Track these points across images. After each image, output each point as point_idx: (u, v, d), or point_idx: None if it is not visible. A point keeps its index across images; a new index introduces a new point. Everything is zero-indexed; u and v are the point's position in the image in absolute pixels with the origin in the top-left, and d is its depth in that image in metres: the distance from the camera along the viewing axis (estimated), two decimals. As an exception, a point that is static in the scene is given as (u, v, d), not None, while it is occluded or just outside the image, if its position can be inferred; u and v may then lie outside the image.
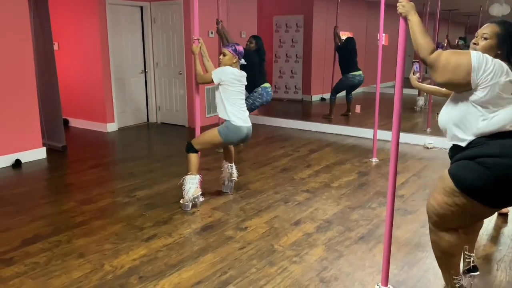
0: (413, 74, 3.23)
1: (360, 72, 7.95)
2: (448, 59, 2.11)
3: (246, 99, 5.86)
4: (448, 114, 2.27)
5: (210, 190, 4.37)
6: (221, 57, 3.96)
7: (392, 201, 2.47)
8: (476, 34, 2.25)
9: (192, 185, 3.84)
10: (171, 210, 3.89)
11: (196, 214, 3.82)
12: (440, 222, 2.29)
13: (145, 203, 4.05)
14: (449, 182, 2.19)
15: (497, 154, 2.08)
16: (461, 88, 2.15)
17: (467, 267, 2.73)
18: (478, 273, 2.76)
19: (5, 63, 5.12)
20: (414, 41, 2.19)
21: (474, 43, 2.22)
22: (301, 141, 6.57)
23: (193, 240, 3.32)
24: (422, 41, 2.16)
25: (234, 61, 3.91)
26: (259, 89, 5.96)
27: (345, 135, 6.90)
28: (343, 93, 8.21)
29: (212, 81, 3.85)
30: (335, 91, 8.15)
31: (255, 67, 5.76)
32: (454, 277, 2.42)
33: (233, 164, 4.28)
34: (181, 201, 3.94)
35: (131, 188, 4.46)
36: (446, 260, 2.40)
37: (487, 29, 2.20)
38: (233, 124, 3.83)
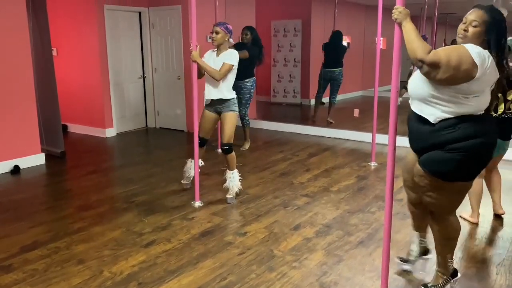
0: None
1: (337, 69, 7.94)
2: (449, 56, 2.16)
3: (243, 94, 5.93)
4: (423, 88, 2.31)
5: (209, 196, 4.36)
6: (214, 35, 4.04)
7: (390, 205, 2.47)
8: (464, 19, 2.29)
9: (237, 178, 4.21)
10: (170, 215, 3.89)
11: (195, 219, 3.81)
12: (441, 211, 2.52)
13: (144, 208, 4.05)
14: (432, 179, 2.39)
15: (470, 136, 2.26)
16: (460, 82, 2.20)
17: (423, 251, 2.93)
18: (431, 255, 2.92)
19: (4, 69, 5.12)
20: (409, 45, 2.20)
21: (465, 30, 2.27)
22: (300, 145, 6.57)
23: (192, 245, 3.32)
24: (418, 43, 2.18)
25: (226, 39, 4.07)
26: (252, 79, 6.09)
27: (344, 139, 6.91)
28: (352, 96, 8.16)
29: (231, 69, 4.04)
30: (319, 88, 8.23)
31: (255, 59, 5.98)
32: (449, 260, 2.63)
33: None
34: (228, 195, 4.20)
35: (130, 194, 4.45)
36: (451, 245, 2.60)
37: (475, 16, 2.25)
38: (235, 99, 4.21)
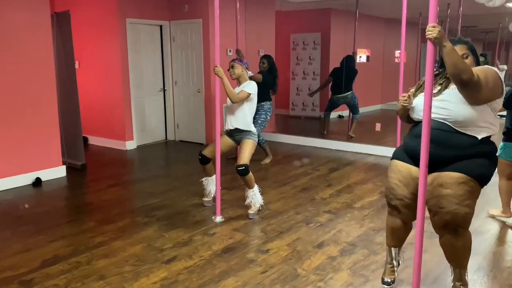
0: None
1: (348, 93, 7.84)
2: (487, 78, 2.34)
3: (260, 115, 5.95)
4: (469, 112, 2.41)
5: (230, 211, 4.31)
6: (231, 70, 4.21)
7: (422, 223, 2.38)
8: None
9: (258, 195, 4.20)
10: (191, 231, 3.84)
11: (216, 235, 3.75)
12: (469, 222, 2.53)
13: (164, 223, 4.01)
14: (473, 184, 2.44)
15: (493, 144, 2.55)
16: (494, 99, 2.42)
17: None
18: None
19: (28, 82, 5.19)
20: (455, 66, 2.25)
21: None
22: (321, 159, 6.49)
23: (214, 262, 3.25)
24: (464, 64, 2.27)
25: (243, 70, 4.25)
26: (269, 103, 6.15)
27: (365, 153, 6.80)
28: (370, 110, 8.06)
29: (248, 97, 4.15)
30: (327, 108, 8.30)
31: (269, 86, 6.13)
32: (466, 272, 2.68)
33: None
34: (250, 211, 4.16)
35: (150, 208, 4.42)
36: (468, 256, 2.65)
37: (463, 50, 2.52)
38: (256, 132, 4.30)
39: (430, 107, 2.27)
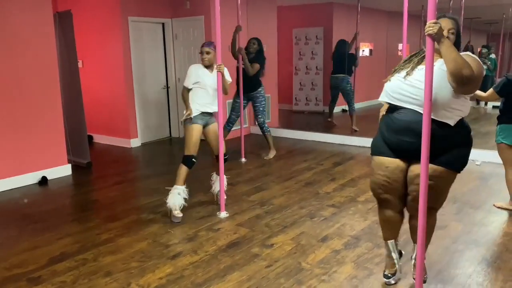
0: None
1: (340, 75, 8.10)
2: (477, 68, 2.33)
3: (260, 102, 6.07)
4: (445, 97, 2.39)
5: (234, 206, 4.33)
6: (205, 55, 4.10)
7: (424, 216, 2.39)
8: (442, 27, 2.26)
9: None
10: (196, 226, 3.87)
11: (221, 230, 3.79)
12: (442, 204, 2.68)
13: (169, 219, 4.04)
14: (453, 175, 2.57)
15: (470, 129, 2.59)
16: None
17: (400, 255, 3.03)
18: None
19: (32, 81, 5.22)
20: (454, 62, 2.23)
21: (448, 37, 2.38)
22: (324, 154, 6.50)
23: (219, 257, 3.28)
24: (463, 60, 2.25)
25: (215, 56, 4.10)
26: (262, 87, 6.22)
27: (368, 147, 6.75)
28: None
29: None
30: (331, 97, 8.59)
31: (263, 69, 6.18)
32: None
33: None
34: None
35: (155, 205, 4.45)
36: (432, 233, 2.81)
37: (451, 25, 2.47)
38: None
39: (430, 105, 2.27)
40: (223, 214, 4.11)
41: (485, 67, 11.02)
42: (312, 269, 3.08)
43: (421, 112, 2.36)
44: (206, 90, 4.10)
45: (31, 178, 5.28)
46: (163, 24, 7.60)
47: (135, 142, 7.29)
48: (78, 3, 7.07)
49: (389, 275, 2.90)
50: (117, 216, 4.17)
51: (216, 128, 4.21)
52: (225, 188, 4.26)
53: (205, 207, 4.34)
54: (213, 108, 4.18)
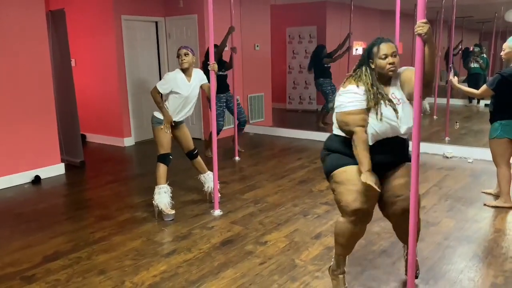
0: (453, 76, 4.03)
1: (318, 79, 8.27)
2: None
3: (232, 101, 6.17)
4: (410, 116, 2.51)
5: (228, 204, 4.35)
6: (183, 57, 4.05)
7: (415, 213, 2.41)
8: (383, 56, 2.48)
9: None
10: (190, 224, 3.88)
11: (215, 228, 3.80)
12: None
13: (162, 219, 4.04)
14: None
15: None
16: None
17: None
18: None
19: (24, 80, 5.20)
20: (432, 63, 2.39)
21: (392, 63, 2.49)
22: (318, 152, 6.46)
23: (213, 255, 3.30)
24: (433, 67, 2.43)
25: (193, 59, 4.11)
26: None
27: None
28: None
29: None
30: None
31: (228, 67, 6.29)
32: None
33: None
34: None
35: (149, 203, 4.43)
36: None
37: (393, 48, 2.52)
38: None
39: (421, 102, 2.32)
40: (217, 212, 4.12)
41: (477, 65, 11.04)
42: (305, 265, 3.10)
43: (400, 136, 2.62)
44: (180, 99, 4.08)
45: (24, 177, 5.26)
46: (156, 22, 7.59)
47: (128, 141, 7.28)
48: (71, 2, 7.04)
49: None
50: (111, 214, 4.17)
51: (185, 127, 4.34)
52: (218, 187, 4.27)
53: (198, 206, 4.35)
54: (185, 116, 4.22)
